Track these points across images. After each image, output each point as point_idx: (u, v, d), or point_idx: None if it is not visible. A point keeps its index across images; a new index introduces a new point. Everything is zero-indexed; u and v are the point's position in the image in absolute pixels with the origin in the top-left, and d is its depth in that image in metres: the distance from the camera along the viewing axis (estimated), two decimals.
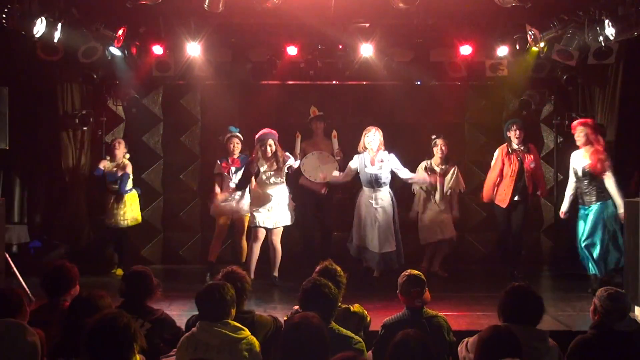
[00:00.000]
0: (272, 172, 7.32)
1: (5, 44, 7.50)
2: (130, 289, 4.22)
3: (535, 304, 3.73)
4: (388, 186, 7.31)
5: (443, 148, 7.89)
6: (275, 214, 7.34)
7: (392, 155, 7.33)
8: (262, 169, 7.33)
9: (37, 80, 8.28)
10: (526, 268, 7.98)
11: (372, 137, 7.24)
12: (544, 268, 8.70)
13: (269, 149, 7.25)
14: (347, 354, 2.96)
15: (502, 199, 7.61)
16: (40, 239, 8.24)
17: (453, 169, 7.97)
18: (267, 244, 7.47)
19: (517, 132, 7.57)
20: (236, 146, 7.79)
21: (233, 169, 7.75)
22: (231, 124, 8.29)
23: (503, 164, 7.60)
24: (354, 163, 7.36)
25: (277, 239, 7.41)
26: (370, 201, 7.23)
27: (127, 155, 8.10)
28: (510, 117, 8.92)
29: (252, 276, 6.95)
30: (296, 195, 7.80)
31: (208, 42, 7.87)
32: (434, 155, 7.96)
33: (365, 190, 7.32)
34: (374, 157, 7.24)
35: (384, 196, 7.25)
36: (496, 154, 7.72)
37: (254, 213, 7.35)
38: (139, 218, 8.10)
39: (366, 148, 7.29)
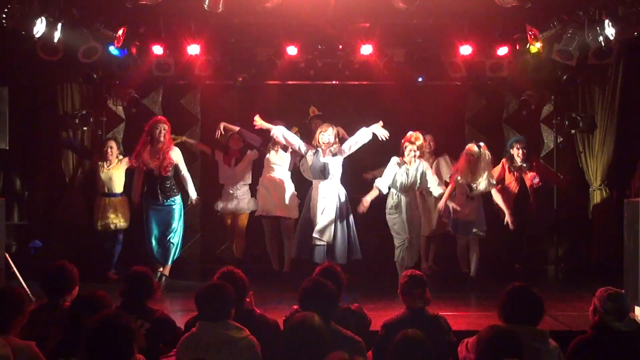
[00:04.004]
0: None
1: (5, 44, 7.50)
2: (131, 289, 4.22)
3: (535, 304, 3.73)
4: (338, 180, 7.30)
5: (431, 143, 8.08)
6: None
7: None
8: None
9: (37, 80, 8.29)
10: (527, 267, 8.03)
11: (328, 137, 7.23)
12: (544, 268, 8.71)
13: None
14: (340, 354, 2.95)
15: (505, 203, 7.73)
16: (40, 239, 8.24)
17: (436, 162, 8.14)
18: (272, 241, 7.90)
19: (521, 151, 7.72)
20: (236, 145, 7.95)
21: (233, 160, 7.95)
22: (231, 124, 8.31)
23: (504, 178, 7.81)
24: (309, 155, 7.34)
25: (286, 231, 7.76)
26: (318, 193, 7.23)
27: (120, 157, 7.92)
28: (510, 117, 8.97)
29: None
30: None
31: (208, 42, 7.87)
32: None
33: (314, 183, 7.34)
34: (326, 149, 7.24)
35: (333, 188, 7.24)
36: (499, 167, 7.84)
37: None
38: (125, 224, 7.93)
39: (319, 144, 7.26)
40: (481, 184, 7.30)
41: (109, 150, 7.82)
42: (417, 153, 7.10)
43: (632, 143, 8.22)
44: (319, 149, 7.23)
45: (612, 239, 8.05)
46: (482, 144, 7.45)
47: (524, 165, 7.76)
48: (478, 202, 7.42)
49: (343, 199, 7.30)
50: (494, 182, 7.36)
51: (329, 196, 7.20)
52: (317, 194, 7.22)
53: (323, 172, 7.18)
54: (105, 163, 7.82)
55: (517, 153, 7.74)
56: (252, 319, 4.08)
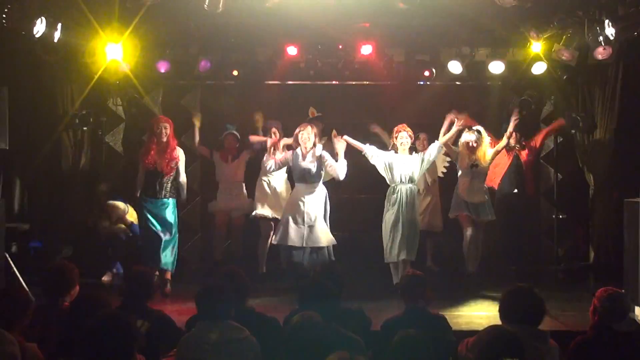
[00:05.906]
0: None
1: (5, 44, 7.50)
2: (131, 289, 4.23)
3: (536, 305, 3.73)
4: (321, 183, 7.23)
5: (424, 142, 8.05)
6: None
7: (325, 152, 7.22)
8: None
9: (37, 80, 8.28)
10: (527, 267, 8.03)
11: (307, 136, 7.14)
12: (544, 268, 8.71)
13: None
14: (341, 354, 2.95)
15: (491, 179, 7.92)
16: (40, 239, 8.23)
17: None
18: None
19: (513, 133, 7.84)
20: (232, 143, 8.05)
21: (230, 157, 8.05)
22: (231, 124, 8.33)
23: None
24: (289, 156, 7.29)
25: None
26: (300, 196, 7.12)
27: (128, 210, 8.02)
28: (510, 117, 8.95)
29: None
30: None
31: (208, 42, 7.86)
32: (417, 149, 7.97)
33: (297, 186, 7.25)
34: (307, 152, 7.15)
35: (316, 192, 7.14)
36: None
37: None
38: (123, 225, 8.00)
39: (299, 144, 7.19)
40: (486, 156, 7.48)
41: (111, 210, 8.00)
42: (409, 140, 7.27)
43: (632, 143, 8.21)
44: (299, 151, 7.17)
45: (612, 239, 8.05)
46: (480, 128, 7.60)
47: (517, 146, 8.10)
48: (483, 186, 7.56)
49: (325, 203, 7.22)
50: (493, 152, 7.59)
51: (309, 200, 7.09)
52: (297, 197, 7.14)
53: (305, 176, 7.14)
54: None
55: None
56: (252, 318, 4.09)
